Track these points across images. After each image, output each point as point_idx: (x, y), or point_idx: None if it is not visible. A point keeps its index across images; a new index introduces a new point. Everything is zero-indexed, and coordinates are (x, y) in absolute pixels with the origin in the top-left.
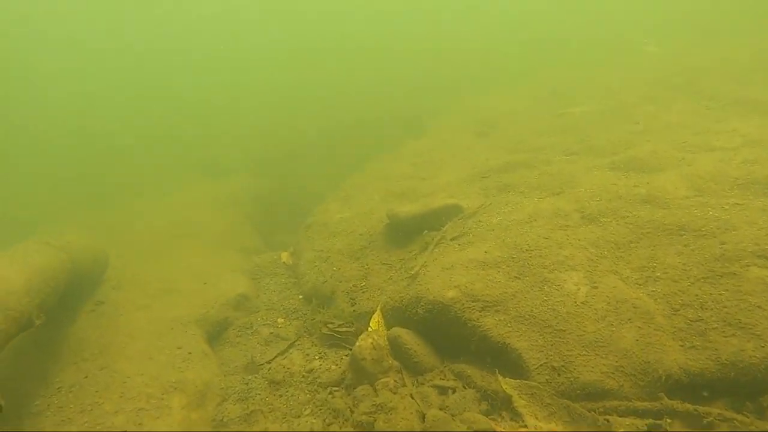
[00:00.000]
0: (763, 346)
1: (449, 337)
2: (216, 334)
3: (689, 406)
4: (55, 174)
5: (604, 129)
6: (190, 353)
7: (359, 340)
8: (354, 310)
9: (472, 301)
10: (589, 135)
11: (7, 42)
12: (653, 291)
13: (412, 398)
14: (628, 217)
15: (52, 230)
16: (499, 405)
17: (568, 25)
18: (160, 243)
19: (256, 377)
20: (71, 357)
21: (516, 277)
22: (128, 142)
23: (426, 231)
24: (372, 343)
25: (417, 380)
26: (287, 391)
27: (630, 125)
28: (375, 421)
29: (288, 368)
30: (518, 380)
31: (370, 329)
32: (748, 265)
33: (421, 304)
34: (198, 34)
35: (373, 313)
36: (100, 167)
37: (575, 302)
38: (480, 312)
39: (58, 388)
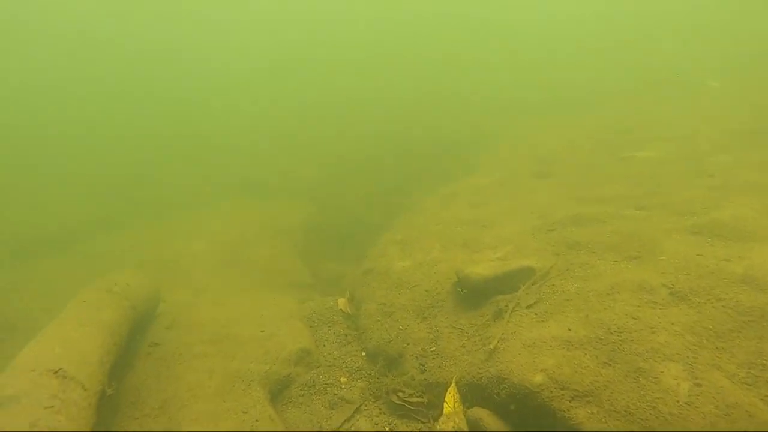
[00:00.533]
0: None
1: (534, 425)
2: (278, 392)
3: None
4: (90, 185)
5: (676, 181)
6: (257, 421)
7: (440, 424)
8: (424, 378)
9: (561, 389)
10: (660, 186)
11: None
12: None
13: None
14: (724, 299)
15: (103, 266)
16: None
17: (624, 56)
18: (207, 273)
19: None
20: (131, 410)
21: (606, 363)
22: (167, 153)
23: (498, 295)
24: (453, 427)
25: None
26: None
27: (704, 178)
28: None
29: None
30: None
31: (446, 407)
32: None
33: (504, 386)
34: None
35: (448, 387)
36: (136, 179)
37: (677, 401)
38: (570, 402)
39: None
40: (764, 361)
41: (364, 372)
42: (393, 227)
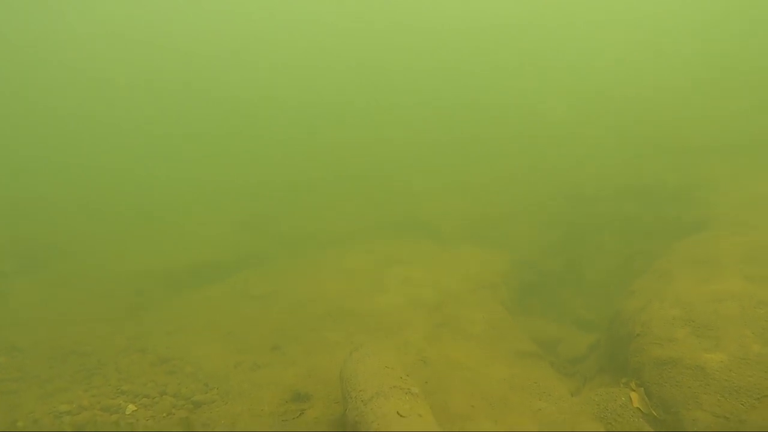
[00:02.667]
0: None
1: None
2: None
3: None
4: (231, 213)
5: None
6: None
7: None
8: None
9: None
10: None
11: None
12: None
13: None
14: None
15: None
16: None
17: None
18: (423, 336)
19: None
20: None
21: None
22: (316, 176)
23: None
24: None
25: None
26: None
27: None
28: None
29: None
30: None
31: None
32: None
33: None
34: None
35: None
36: (278, 206)
37: None
38: None
39: None
40: None
41: None
42: (646, 293)
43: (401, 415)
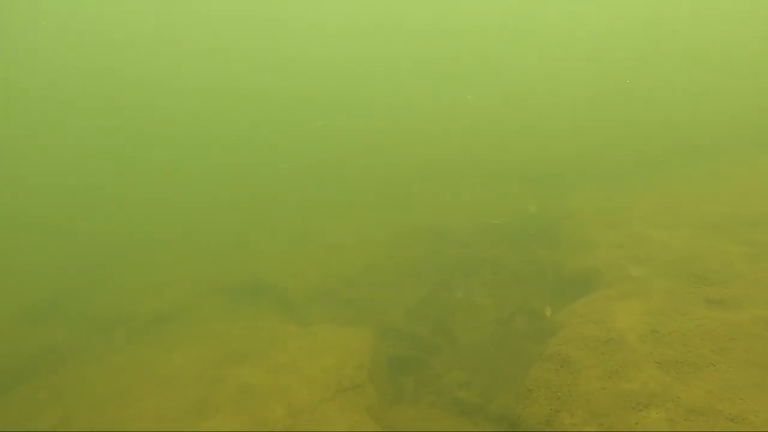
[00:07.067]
0: None
1: None
2: None
3: None
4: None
5: None
6: None
7: None
8: None
9: None
10: None
11: None
12: None
13: None
14: None
15: None
16: None
17: None
18: None
19: None
20: None
21: None
22: (136, 237)
23: None
24: None
25: None
26: None
27: None
28: None
29: None
30: None
31: None
32: None
33: None
34: None
35: None
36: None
37: None
38: None
39: None
40: None
41: None
42: (548, 395)
43: None
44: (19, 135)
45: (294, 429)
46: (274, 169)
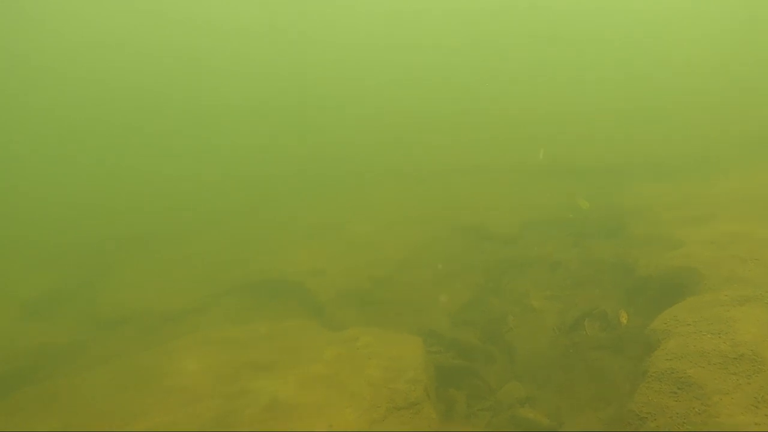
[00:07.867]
0: None
1: None
2: None
3: None
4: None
5: None
6: None
7: None
8: None
9: None
10: None
11: None
12: None
13: None
14: None
15: None
16: None
17: None
18: None
19: None
20: None
21: None
22: (142, 229)
23: None
24: None
25: None
26: None
27: None
28: None
29: None
30: None
31: None
32: None
33: None
34: None
35: None
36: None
37: None
38: None
39: None
40: None
41: None
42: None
43: None
44: (26, 130)
45: None
46: (296, 163)
